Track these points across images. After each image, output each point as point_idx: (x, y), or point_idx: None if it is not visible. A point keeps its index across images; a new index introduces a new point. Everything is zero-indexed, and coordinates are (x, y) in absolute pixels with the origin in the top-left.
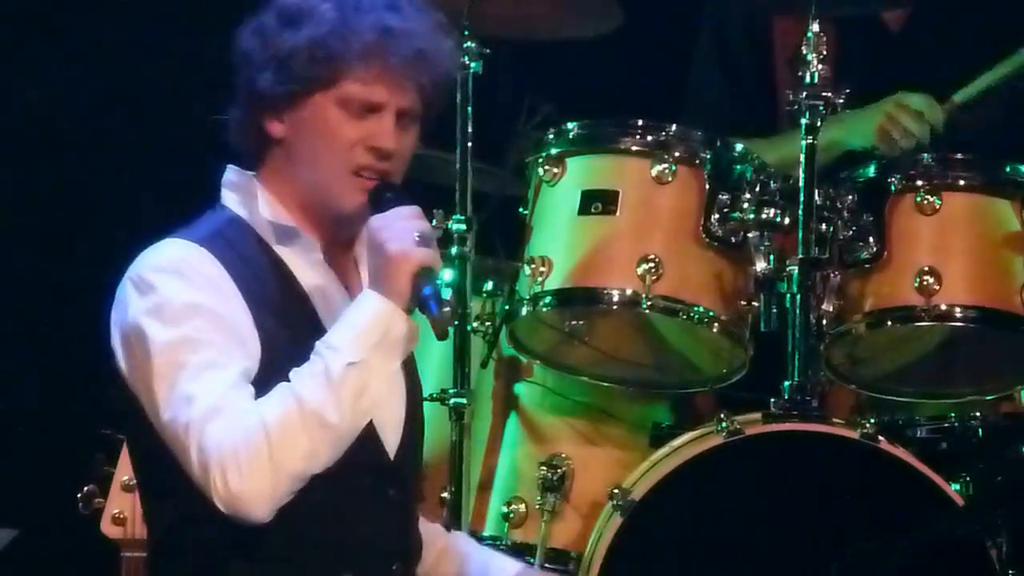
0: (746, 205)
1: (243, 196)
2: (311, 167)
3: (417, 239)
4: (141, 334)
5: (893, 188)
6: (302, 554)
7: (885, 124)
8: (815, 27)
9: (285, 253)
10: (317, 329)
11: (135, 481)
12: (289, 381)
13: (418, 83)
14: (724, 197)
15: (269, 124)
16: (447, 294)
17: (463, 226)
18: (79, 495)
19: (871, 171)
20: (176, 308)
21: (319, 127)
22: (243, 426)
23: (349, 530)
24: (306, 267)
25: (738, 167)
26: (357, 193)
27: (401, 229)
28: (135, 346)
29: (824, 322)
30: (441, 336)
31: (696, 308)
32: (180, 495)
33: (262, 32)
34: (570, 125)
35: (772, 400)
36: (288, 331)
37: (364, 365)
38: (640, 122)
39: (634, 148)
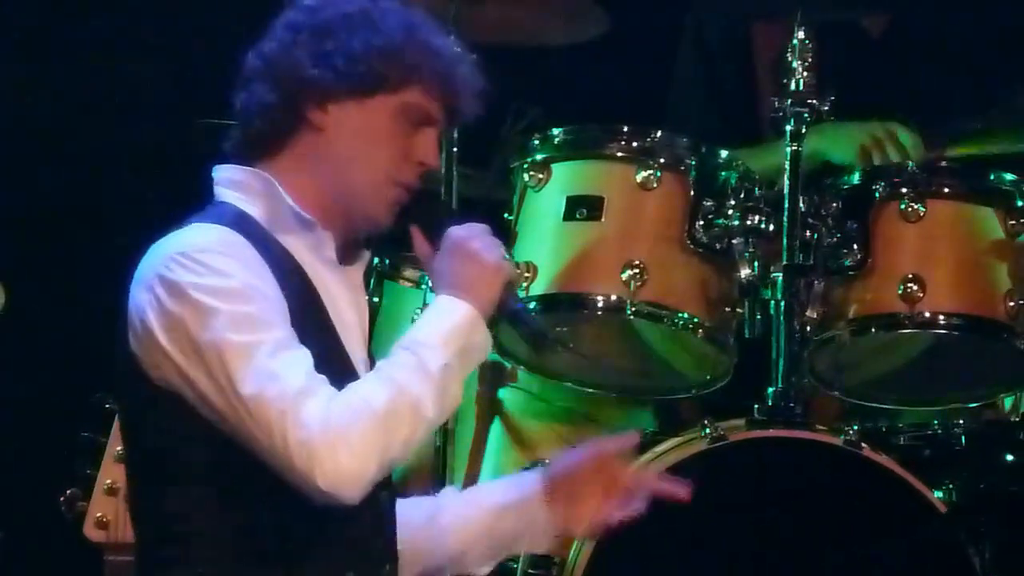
0: (731, 212)
1: (246, 192)
2: (347, 165)
3: (505, 254)
4: (201, 310)
5: (878, 195)
6: (302, 554)
7: (869, 145)
8: (800, 34)
9: (295, 248)
10: (327, 327)
11: (126, 479)
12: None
13: (463, 114)
14: (709, 203)
15: (311, 111)
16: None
17: None
18: (62, 499)
19: (856, 178)
20: (237, 287)
21: (371, 129)
22: (349, 407)
23: (347, 532)
24: (315, 263)
25: (723, 173)
26: (389, 205)
27: (491, 242)
28: (189, 323)
29: (808, 329)
30: (539, 350)
31: (680, 314)
32: (195, 485)
33: (322, 25)
34: (555, 131)
35: (756, 406)
36: (301, 326)
37: (450, 368)
38: (625, 128)
39: (619, 154)
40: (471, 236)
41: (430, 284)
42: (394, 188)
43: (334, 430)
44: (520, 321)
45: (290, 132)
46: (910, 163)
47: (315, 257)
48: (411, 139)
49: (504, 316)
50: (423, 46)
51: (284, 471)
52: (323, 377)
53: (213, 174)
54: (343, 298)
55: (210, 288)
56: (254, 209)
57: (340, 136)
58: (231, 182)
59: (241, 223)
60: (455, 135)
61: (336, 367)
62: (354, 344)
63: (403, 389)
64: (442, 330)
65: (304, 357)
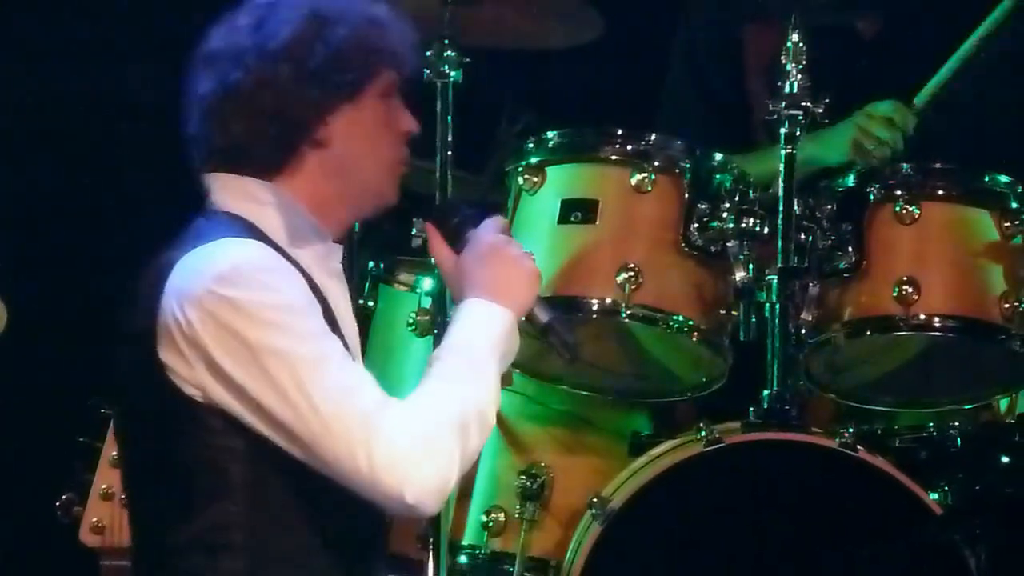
0: (725, 215)
1: (255, 203)
2: (357, 168)
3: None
4: (265, 327)
5: (872, 197)
6: (329, 556)
7: (858, 136)
8: (795, 37)
9: (303, 259)
10: (344, 343)
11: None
12: None
13: (410, 70)
14: (704, 206)
15: (315, 129)
16: None
17: None
18: (57, 504)
19: (850, 181)
20: (294, 302)
21: (368, 124)
22: (427, 421)
23: (355, 531)
24: (322, 274)
25: (718, 176)
26: (396, 186)
27: (520, 246)
28: (253, 341)
29: (803, 331)
30: (572, 359)
31: (675, 317)
32: (228, 495)
33: (289, 44)
34: (550, 134)
35: (751, 409)
36: None
37: (495, 375)
38: (620, 131)
39: (614, 157)
40: (505, 240)
41: (452, 283)
42: (398, 167)
43: (420, 445)
44: (553, 331)
45: (293, 154)
46: (905, 165)
47: (321, 268)
48: (391, 114)
49: (536, 325)
50: (377, 23)
51: (366, 487)
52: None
53: (209, 181)
54: (341, 309)
55: (271, 304)
56: (264, 221)
57: (345, 143)
58: (237, 191)
59: (256, 236)
60: (450, 138)
61: None
62: (359, 358)
63: (469, 398)
64: (492, 336)
65: (361, 367)
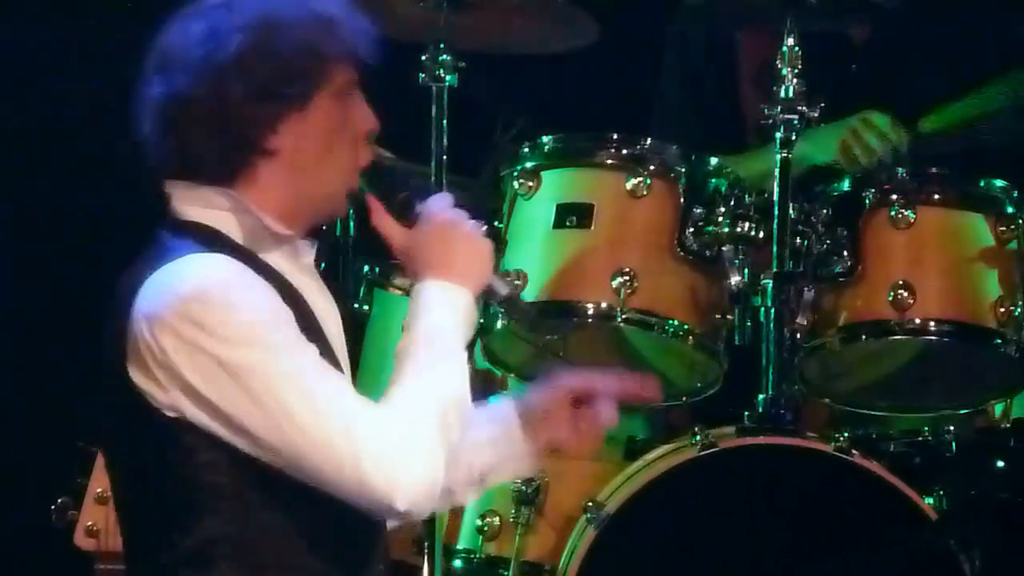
0: (720, 219)
1: (213, 209)
2: (312, 173)
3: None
4: (238, 348)
5: (867, 202)
6: (325, 559)
7: (848, 139)
8: (790, 41)
9: (274, 260)
10: (325, 343)
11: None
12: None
13: (369, 61)
14: (699, 211)
15: (265, 141)
16: None
17: None
18: (52, 507)
19: (845, 185)
20: (265, 318)
21: (320, 128)
22: (408, 421)
23: (352, 534)
24: (294, 272)
25: (713, 181)
26: (352, 187)
27: (472, 223)
28: (227, 363)
29: (798, 336)
30: (534, 332)
31: (671, 322)
32: (217, 507)
33: (241, 52)
34: (545, 139)
35: (746, 413)
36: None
37: (464, 359)
38: (615, 136)
39: (609, 162)
40: (457, 216)
41: (403, 257)
42: (356, 174)
43: (404, 449)
44: (511, 303)
45: (244, 165)
46: (900, 170)
47: (292, 266)
48: (350, 114)
49: (495, 298)
50: (326, 21)
51: (355, 497)
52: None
53: (168, 189)
54: (319, 305)
55: (239, 321)
56: (226, 225)
57: (297, 151)
58: (196, 200)
59: (223, 246)
60: (445, 143)
61: None
62: (340, 355)
63: (445, 390)
64: (456, 319)
65: (337, 373)
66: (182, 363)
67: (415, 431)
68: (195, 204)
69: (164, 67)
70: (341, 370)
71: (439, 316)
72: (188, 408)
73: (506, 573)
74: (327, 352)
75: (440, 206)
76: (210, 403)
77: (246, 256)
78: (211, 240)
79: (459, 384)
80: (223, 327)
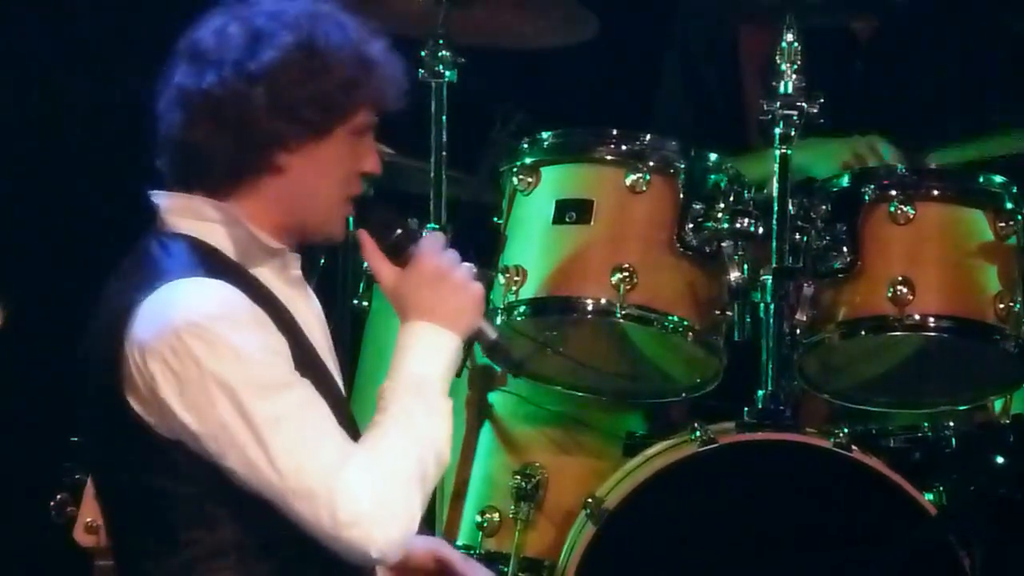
0: (720, 215)
1: (203, 221)
2: (310, 198)
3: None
4: (225, 385)
5: (867, 198)
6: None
7: (851, 162)
8: (789, 36)
9: (262, 274)
10: (313, 357)
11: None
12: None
13: (392, 110)
14: (698, 207)
15: (277, 158)
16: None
17: None
18: (52, 503)
19: (845, 181)
20: (255, 355)
21: (330, 160)
22: (387, 472)
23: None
24: (281, 285)
25: (712, 177)
26: (344, 220)
27: (464, 267)
28: (216, 399)
29: (798, 331)
30: (517, 374)
31: (670, 317)
32: (213, 519)
33: (274, 68)
34: (544, 134)
35: (746, 409)
36: (300, 363)
37: (448, 409)
38: (615, 131)
39: (608, 157)
40: (449, 262)
41: (392, 298)
42: (348, 204)
43: (382, 502)
44: (499, 349)
45: (249, 174)
46: (899, 166)
47: (279, 279)
48: (359, 151)
49: (483, 342)
50: (367, 64)
51: (329, 542)
52: (343, 432)
53: (156, 200)
54: (305, 316)
55: (231, 358)
56: (216, 238)
57: (304, 175)
58: (186, 211)
59: (214, 262)
60: (444, 138)
61: (330, 399)
62: (330, 365)
63: (426, 442)
64: (442, 368)
65: (325, 409)
66: (172, 394)
67: (394, 485)
68: (185, 215)
69: (195, 59)
70: (338, 391)
71: (427, 362)
72: (180, 433)
73: (505, 569)
74: (320, 375)
75: (432, 248)
76: (198, 436)
77: (236, 272)
78: (202, 256)
79: (441, 434)
80: (214, 363)
